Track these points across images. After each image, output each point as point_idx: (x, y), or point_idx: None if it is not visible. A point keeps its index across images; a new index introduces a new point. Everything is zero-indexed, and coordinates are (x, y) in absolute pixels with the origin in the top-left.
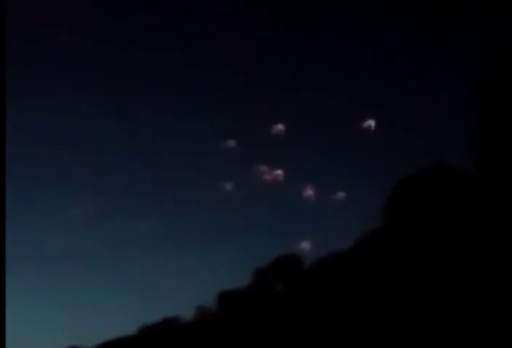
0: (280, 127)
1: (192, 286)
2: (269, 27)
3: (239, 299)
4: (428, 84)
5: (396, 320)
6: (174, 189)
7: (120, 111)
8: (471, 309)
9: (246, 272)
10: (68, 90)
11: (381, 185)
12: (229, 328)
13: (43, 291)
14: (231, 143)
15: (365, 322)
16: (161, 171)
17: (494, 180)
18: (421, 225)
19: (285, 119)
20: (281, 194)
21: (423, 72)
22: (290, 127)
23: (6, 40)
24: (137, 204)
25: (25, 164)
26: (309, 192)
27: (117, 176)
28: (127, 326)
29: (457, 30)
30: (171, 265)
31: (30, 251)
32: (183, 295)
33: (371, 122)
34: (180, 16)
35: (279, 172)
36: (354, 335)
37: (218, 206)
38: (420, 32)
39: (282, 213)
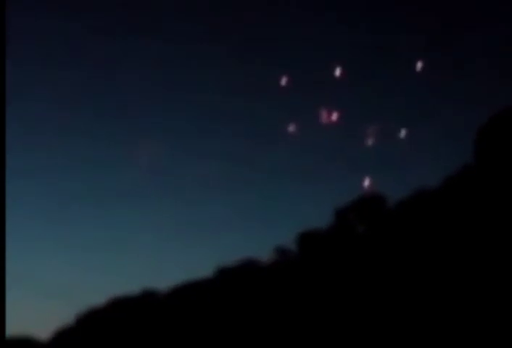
0: (338, 69)
1: (269, 227)
2: None
3: (320, 240)
4: None
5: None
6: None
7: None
8: None
9: (320, 212)
10: None
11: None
12: (310, 271)
13: (112, 232)
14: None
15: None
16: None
17: None
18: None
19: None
20: (343, 135)
21: None
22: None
23: (5, 41)
24: (202, 147)
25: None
26: (370, 132)
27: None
28: (202, 267)
29: None
30: (245, 206)
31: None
32: (261, 236)
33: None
34: None
35: (338, 113)
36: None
37: (282, 147)
38: None
39: (348, 153)
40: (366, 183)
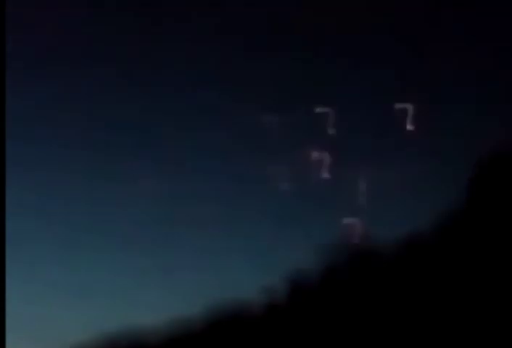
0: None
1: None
2: None
3: (310, 283)
4: None
5: None
6: None
7: None
8: None
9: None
10: None
11: None
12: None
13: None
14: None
15: None
16: None
17: None
18: None
19: None
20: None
21: None
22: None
23: (6, 40)
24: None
25: None
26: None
27: None
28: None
29: None
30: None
31: None
32: (247, 276)
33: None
34: None
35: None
36: None
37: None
38: None
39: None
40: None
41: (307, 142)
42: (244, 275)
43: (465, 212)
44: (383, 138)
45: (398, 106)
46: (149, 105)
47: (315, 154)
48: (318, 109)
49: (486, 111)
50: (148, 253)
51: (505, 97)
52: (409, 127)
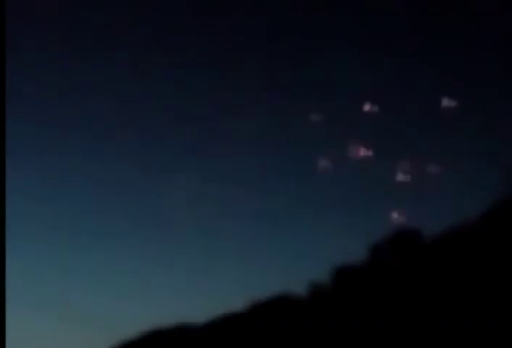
0: (367, 104)
1: (302, 261)
2: None
3: (356, 275)
4: None
5: None
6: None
7: None
8: None
9: (354, 247)
10: None
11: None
12: (346, 305)
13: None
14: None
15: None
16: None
17: None
18: None
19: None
20: (374, 170)
21: None
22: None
23: (5, 40)
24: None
25: None
26: (402, 167)
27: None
28: (235, 300)
29: None
30: (278, 239)
31: None
32: (294, 270)
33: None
34: None
35: (370, 148)
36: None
37: (315, 181)
38: None
39: (378, 188)
40: (395, 216)
41: (351, 137)
42: (288, 266)
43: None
44: (427, 132)
45: (444, 103)
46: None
47: (359, 149)
48: (364, 106)
49: None
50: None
51: None
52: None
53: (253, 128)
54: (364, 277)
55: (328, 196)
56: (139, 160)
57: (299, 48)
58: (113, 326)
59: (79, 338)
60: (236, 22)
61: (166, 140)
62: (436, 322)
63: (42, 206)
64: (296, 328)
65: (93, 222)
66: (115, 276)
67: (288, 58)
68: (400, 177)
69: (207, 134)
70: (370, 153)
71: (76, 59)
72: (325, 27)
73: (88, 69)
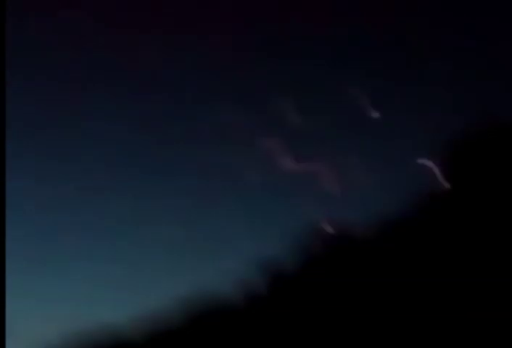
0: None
1: (231, 262)
2: None
3: (287, 273)
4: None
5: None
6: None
7: None
8: None
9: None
10: None
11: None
12: (278, 304)
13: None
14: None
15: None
16: None
17: None
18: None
19: None
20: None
21: None
22: None
23: (6, 40)
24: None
25: None
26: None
27: None
28: (161, 300)
29: None
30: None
31: None
32: (222, 270)
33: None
34: None
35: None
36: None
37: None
38: None
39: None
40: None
41: (269, 132)
42: (219, 267)
43: (433, 196)
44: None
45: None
46: None
47: (278, 144)
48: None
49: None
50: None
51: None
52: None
53: None
54: (294, 275)
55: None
56: None
57: None
58: None
59: None
60: None
61: None
62: (368, 315)
63: None
64: (226, 327)
65: None
66: None
67: None
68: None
69: None
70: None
71: None
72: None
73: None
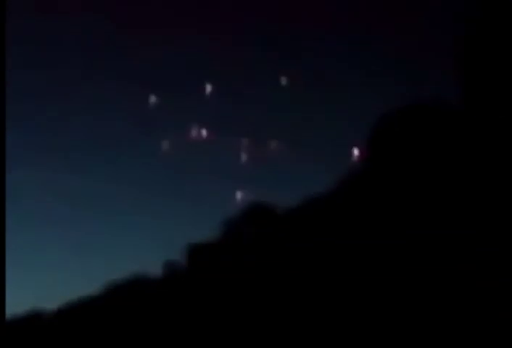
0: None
1: (157, 242)
2: None
3: (210, 252)
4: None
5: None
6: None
7: None
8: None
9: (204, 227)
10: None
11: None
12: (200, 283)
13: None
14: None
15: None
16: None
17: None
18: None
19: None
20: (215, 150)
21: None
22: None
23: (5, 40)
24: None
25: None
26: (243, 145)
27: None
28: (90, 285)
29: None
30: (131, 224)
31: None
32: (149, 251)
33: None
34: None
35: (208, 130)
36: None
37: (155, 165)
38: None
39: (220, 169)
40: (240, 196)
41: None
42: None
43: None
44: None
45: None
46: None
47: (200, 131)
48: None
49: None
50: None
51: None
52: None
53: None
54: (218, 253)
55: (171, 179)
56: None
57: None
58: None
59: None
60: None
61: None
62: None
63: None
64: (151, 309)
65: None
66: None
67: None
68: (243, 156)
69: None
70: (210, 134)
71: None
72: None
73: None
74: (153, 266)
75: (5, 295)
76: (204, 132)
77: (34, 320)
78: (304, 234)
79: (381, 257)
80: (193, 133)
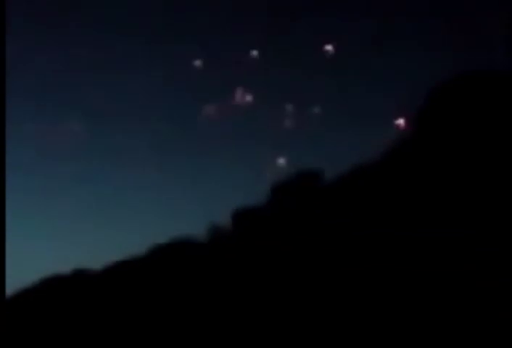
0: (254, 51)
1: (201, 207)
2: None
3: (255, 217)
4: None
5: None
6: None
7: None
8: None
9: (249, 192)
10: None
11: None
12: (245, 248)
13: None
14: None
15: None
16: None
17: None
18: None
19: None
20: (258, 115)
21: None
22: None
23: (5, 40)
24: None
25: None
26: (288, 111)
27: None
28: (133, 247)
29: None
30: (177, 182)
31: None
32: (195, 214)
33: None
34: None
35: (252, 95)
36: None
37: (203, 129)
38: None
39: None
40: (282, 162)
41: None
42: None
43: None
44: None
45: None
46: None
47: (244, 95)
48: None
49: None
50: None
51: None
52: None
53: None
54: (264, 218)
55: (214, 142)
56: None
57: None
58: None
59: None
60: None
61: None
62: (332, 266)
63: None
64: (197, 271)
65: None
66: None
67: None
68: (287, 122)
69: None
70: (252, 99)
71: None
72: None
73: None
74: (197, 228)
75: (5, 300)
76: (248, 97)
77: (79, 277)
78: (349, 205)
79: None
80: (238, 97)
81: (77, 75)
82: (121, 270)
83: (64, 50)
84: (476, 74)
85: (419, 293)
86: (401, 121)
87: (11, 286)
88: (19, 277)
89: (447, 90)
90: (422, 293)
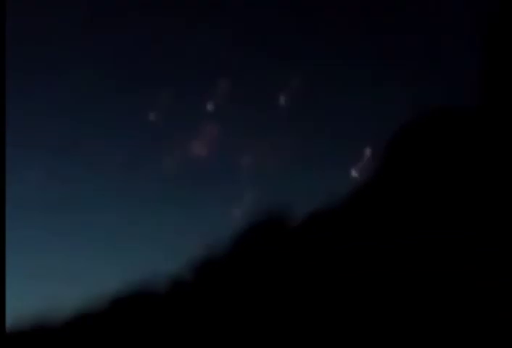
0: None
1: (161, 257)
2: None
3: (218, 267)
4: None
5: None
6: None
7: None
8: None
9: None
10: None
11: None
12: (207, 298)
13: None
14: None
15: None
16: None
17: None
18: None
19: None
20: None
21: None
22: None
23: (5, 40)
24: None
25: None
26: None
27: None
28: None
29: None
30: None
31: None
32: (154, 264)
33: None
34: None
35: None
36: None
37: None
38: None
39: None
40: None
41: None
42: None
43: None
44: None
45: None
46: None
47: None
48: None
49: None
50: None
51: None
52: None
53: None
54: (227, 267)
55: (173, 193)
56: None
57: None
58: None
59: None
60: None
61: None
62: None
63: None
64: (156, 323)
65: None
66: None
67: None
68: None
69: None
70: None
71: None
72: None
73: None
74: (155, 278)
75: (5, 300)
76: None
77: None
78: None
79: (383, 259)
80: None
81: None
82: (80, 325)
83: None
84: (443, 109)
85: (419, 293)
86: (368, 152)
87: None
88: None
89: (414, 127)
90: (422, 293)
